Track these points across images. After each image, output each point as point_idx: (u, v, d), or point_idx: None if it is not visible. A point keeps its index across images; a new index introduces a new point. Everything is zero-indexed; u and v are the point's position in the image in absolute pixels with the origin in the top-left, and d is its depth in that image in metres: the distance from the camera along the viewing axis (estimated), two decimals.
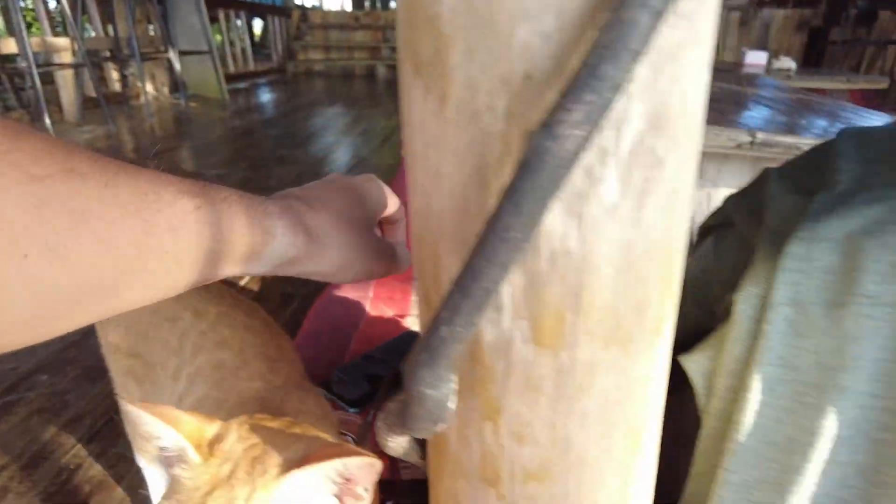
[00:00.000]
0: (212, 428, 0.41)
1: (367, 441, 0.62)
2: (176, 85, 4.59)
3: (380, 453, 0.77)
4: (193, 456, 0.38)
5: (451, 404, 0.28)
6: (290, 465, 0.39)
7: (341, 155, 2.79)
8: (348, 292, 1.20)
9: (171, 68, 4.62)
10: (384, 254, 0.43)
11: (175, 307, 0.59)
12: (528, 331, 0.28)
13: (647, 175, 0.24)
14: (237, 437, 0.41)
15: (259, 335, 0.58)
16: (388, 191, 0.47)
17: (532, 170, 0.20)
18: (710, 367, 0.38)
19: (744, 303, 0.37)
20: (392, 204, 0.47)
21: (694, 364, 0.39)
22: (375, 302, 1.20)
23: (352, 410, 0.71)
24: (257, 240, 0.35)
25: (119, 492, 0.75)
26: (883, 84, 3.10)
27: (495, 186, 0.25)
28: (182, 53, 4.61)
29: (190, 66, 4.80)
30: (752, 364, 0.36)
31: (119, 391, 0.67)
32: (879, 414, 0.33)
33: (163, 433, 0.37)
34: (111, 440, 0.82)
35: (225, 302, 0.60)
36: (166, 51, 4.47)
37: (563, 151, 0.20)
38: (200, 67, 4.81)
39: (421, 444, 0.42)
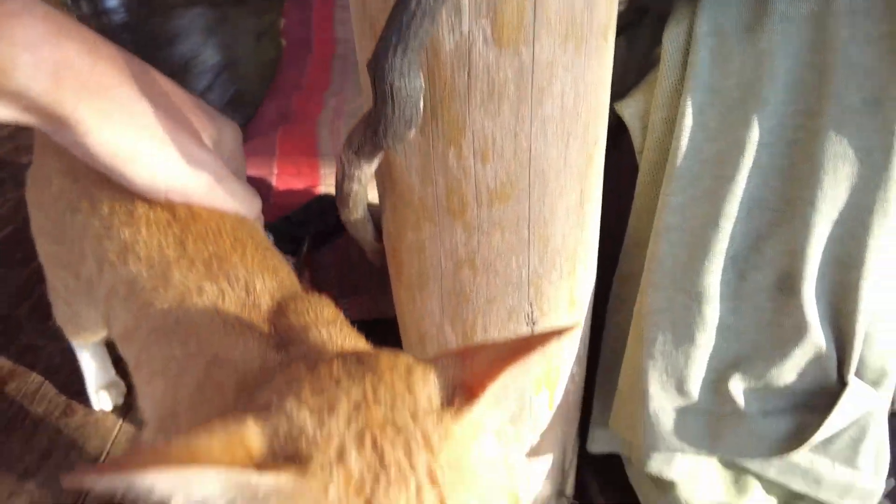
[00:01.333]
0: (251, 429, 0.21)
1: (303, 277, 0.61)
2: None
3: (318, 290, 0.76)
4: (281, 480, 0.20)
5: (421, 104, 0.28)
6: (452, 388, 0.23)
7: (210, 57, 2.54)
8: (248, 170, 1.14)
9: None
10: (206, 166, 0.32)
11: (74, 193, 0.40)
12: (489, 29, 0.27)
13: None
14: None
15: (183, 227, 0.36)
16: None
17: None
18: (644, 108, 0.41)
19: (670, 41, 0.39)
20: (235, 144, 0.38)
21: (629, 109, 0.41)
22: (282, 177, 1.14)
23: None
24: None
25: (36, 376, 0.69)
26: None
27: None
28: None
29: None
30: (682, 92, 0.38)
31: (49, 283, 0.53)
32: (793, 117, 0.37)
33: (198, 482, 0.19)
34: (11, 335, 0.75)
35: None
36: None
37: None
38: None
39: (376, 227, 0.42)
